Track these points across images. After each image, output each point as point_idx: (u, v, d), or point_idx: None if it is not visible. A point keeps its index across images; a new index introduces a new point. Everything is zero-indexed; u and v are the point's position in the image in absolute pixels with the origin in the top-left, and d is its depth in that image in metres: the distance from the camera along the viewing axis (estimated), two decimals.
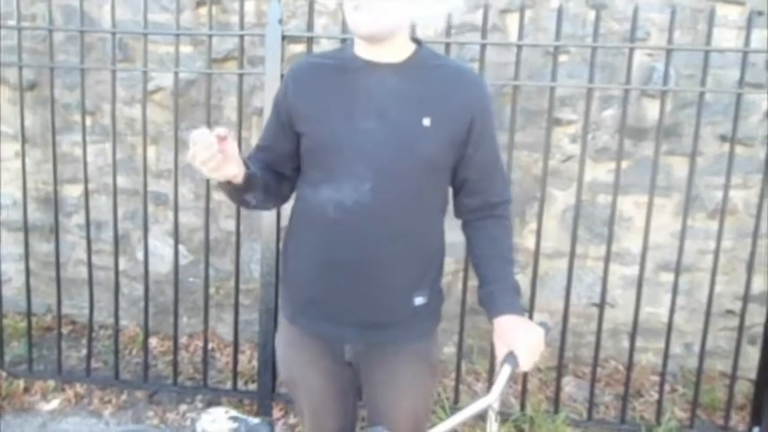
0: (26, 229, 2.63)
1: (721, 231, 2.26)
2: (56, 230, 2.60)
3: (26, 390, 2.63)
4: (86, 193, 2.54)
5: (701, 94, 2.18)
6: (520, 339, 1.21)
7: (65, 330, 2.78)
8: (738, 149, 2.38)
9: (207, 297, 2.51)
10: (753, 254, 2.28)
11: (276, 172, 1.37)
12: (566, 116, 2.69)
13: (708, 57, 2.15)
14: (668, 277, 2.54)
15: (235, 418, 1.38)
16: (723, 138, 2.63)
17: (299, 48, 2.66)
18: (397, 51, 1.28)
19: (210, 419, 1.37)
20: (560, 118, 2.67)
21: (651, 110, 2.63)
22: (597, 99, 2.64)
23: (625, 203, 2.66)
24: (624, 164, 2.55)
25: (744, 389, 2.51)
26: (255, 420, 1.38)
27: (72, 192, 3.06)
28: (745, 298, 2.31)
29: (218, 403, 2.48)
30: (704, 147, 2.61)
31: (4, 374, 2.65)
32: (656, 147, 2.24)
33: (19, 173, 2.78)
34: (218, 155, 1.13)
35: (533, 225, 2.57)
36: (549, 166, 2.30)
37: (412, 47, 1.31)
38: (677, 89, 2.39)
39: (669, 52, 2.17)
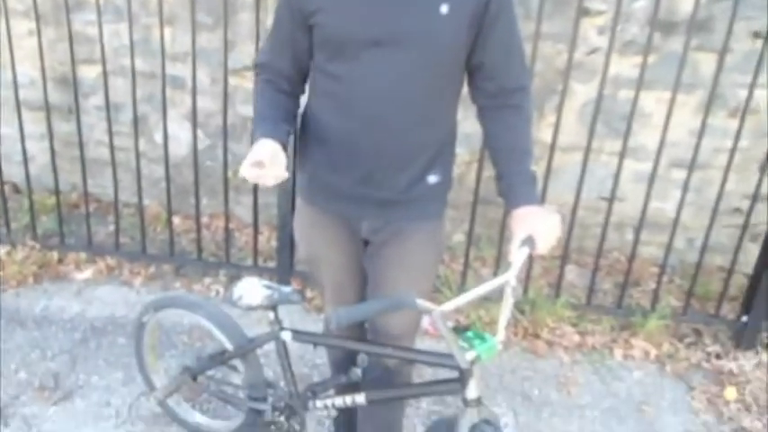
0: (47, 108, 2.65)
1: (741, 130, 2.26)
2: (76, 111, 2.63)
3: (60, 261, 2.80)
4: (105, 75, 2.54)
5: None
6: (538, 225, 1.28)
7: (90, 208, 2.90)
8: None
9: (226, 180, 2.59)
10: None
11: (292, 78, 1.41)
12: (595, 6, 2.58)
13: None
14: (680, 174, 2.57)
15: (268, 287, 1.50)
16: (756, 34, 2.53)
17: None
18: None
19: (246, 286, 1.50)
20: (589, 8, 2.56)
21: (684, 2, 2.50)
22: None
23: (647, 99, 2.62)
24: (650, 58, 2.48)
25: (739, 282, 2.63)
26: (287, 289, 1.50)
27: (88, 73, 3.04)
28: (754, 197, 2.36)
29: (240, 278, 2.65)
30: (735, 43, 2.51)
31: (38, 246, 2.81)
32: (686, 41, 2.17)
33: (32, 51, 2.76)
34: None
35: (551, 118, 2.55)
36: (573, 58, 2.25)
37: None
38: None
39: None
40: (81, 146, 2.67)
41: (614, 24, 2.17)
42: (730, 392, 2.23)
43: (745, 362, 2.36)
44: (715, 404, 2.20)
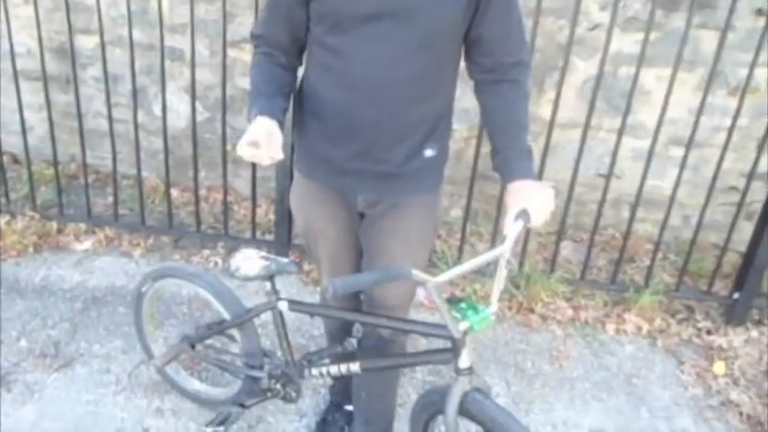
0: (45, 78, 2.64)
1: (740, 108, 2.26)
2: (74, 81, 2.61)
3: (59, 231, 2.82)
4: (103, 45, 2.52)
5: None
6: (533, 199, 1.29)
7: (89, 179, 2.91)
8: None
9: (225, 152, 2.59)
10: (766, 133, 2.30)
11: (289, 51, 1.40)
12: None
13: None
14: (678, 152, 2.58)
15: (266, 258, 1.52)
16: (759, 11, 2.50)
17: None
18: None
19: (244, 257, 1.52)
20: None
21: None
22: None
23: (647, 77, 2.61)
24: (652, 35, 2.46)
25: (732, 260, 2.66)
26: (285, 260, 1.52)
27: (86, 43, 3.02)
28: (750, 175, 2.37)
29: (239, 250, 2.67)
30: (737, 20, 2.49)
31: (37, 216, 2.82)
32: (689, 18, 2.16)
33: (28, 20, 2.74)
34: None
35: (551, 95, 2.55)
36: (574, 34, 2.23)
37: None
38: None
39: None
40: (79, 117, 2.67)
41: (616, 0, 2.15)
42: (719, 367, 2.28)
43: (735, 338, 2.40)
44: (704, 378, 2.24)
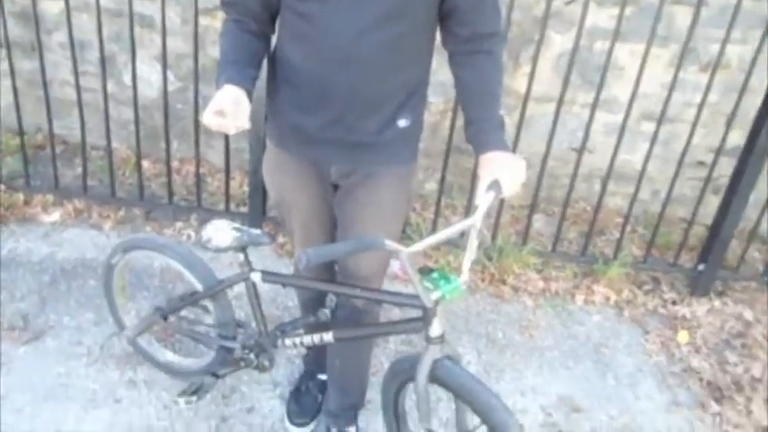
0: (8, 44, 2.54)
1: (711, 84, 2.30)
2: (39, 48, 2.52)
3: (26, 202, 2.75)
4: (68, 10, 2.43)
5: None
6: (504, 170, 1.31)
7: (57, 150, 2.83)
8: (746, 3, 2.31)
9: (197, 123, 2.54)
10: (735, 109, 2.34)
11: (260, 18, 1.36)
12: None
13: None
14: (649, 126, 2.61)
15: (238, 229, 1.51)
16: None
17: None
18: None
19: (215, 229, 1.50)
20: None
21: None
22: None
23: (621, 51, 2.63)
24: (628, 10, 2.47)
25: (698, 233, 2.73)
26: (257, 231, 1.52)
27: (50, 8, 2.90)
28: (719, 151, 2.42)
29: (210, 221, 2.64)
30: None
31: (2, 187, 2.74)
32: None
33: None
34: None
35: (527, 68, 2.55)
36: (551, 7, 2.23)
37: None
38: None
39: None
40: (45, 85, 2.58)
41: None
42: (683, 336, 2.36)
43: (699, 308, 2.48)
44: (667, 347, 2.32)
